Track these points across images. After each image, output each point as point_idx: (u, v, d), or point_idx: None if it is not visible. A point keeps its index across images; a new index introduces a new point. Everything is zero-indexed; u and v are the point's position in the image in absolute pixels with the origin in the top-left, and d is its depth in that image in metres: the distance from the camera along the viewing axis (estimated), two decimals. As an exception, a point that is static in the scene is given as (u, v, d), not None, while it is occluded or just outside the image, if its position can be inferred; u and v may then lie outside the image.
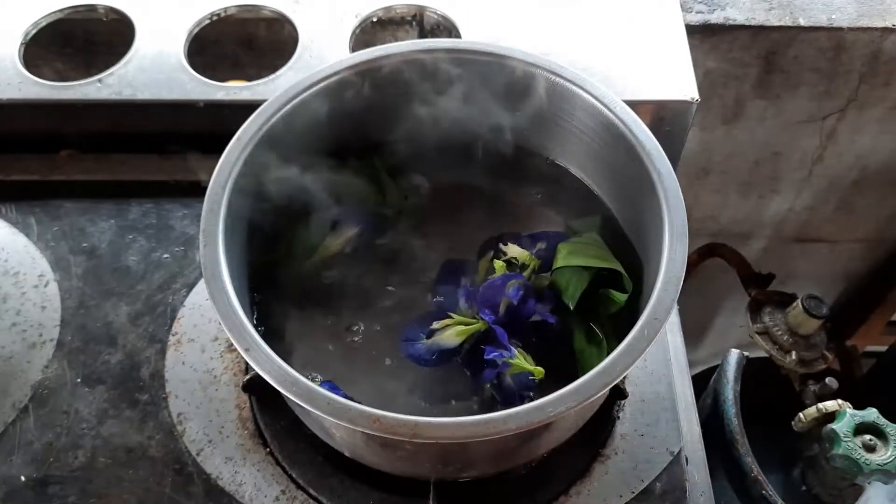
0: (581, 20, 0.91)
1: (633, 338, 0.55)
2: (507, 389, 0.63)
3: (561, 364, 0.64)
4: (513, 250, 0.69)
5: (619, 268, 0.67)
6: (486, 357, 0.62)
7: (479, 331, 0.65)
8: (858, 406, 0.87)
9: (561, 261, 0.68)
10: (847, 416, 0.85)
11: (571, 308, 0.66)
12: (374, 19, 0.93)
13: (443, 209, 0.74)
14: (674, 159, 0.65)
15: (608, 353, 0.54)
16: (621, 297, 0.66)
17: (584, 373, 0.54)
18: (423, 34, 0.99)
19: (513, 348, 0.63)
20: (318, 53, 0.87)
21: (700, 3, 1.01)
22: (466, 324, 0.65)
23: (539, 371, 0.62)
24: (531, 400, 0.53)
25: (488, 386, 0.64)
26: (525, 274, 0.68)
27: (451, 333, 0.65)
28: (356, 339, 0.67)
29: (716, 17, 1.00)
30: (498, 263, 0.68)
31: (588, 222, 0.72)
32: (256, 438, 0.70)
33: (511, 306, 0.65)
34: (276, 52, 0.95)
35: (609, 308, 0.66)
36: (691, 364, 0.79)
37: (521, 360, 0.63)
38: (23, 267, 0.78)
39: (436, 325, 0.65)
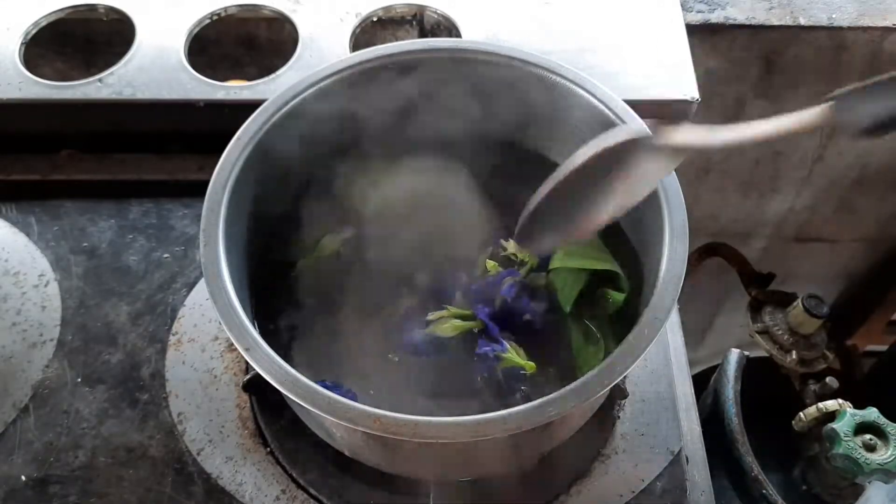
0: (581, 20, 0.91)
1: (634, 337, 0.55)
2: (497, 383, 0.63)
3: (558, 363, 0.64)
4: (512, 246, 0.69)
5: (616, 268, 0.67)
6: (477, 352, 0.63)
7: (475, 328, 0.65)
8: (859, 405, 0.87)
9: (557, 261, 0.68)
10: (847, 415, 0.85)
11: (566, 311, 0.66)
12: (375, 19, 0.93)
13: (442, 209, 0.73)
14: (674, 159, 0.65)
15: (605, 353, 0.54)
16: (619, 297, 0.66)
17: (581, 373, 0.54)
18: (423, 34, 0.99)
19: (504, 342, 0.63)
20: (318, 53, 0.87)
21: (700, 2, 1.01)
22: (462, 317, 0.65)
23: (530, 365, 0.62)
24: (523, 394, 0.53)
25: (479, 379, 0.64)
26: (522, 271, 0.68)
27: (447, 326, 0.65)
28: (356, 337, 0.68)
29: (716, 17, 1.00)
30: (490, 263, 0.68)
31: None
32: (257, 438, 0.70)
33: (505, 303, 0.65)
34: (276, 52, 0.95)
35: (607, 308, 0.66)
36: (691, 364, 0.79)
37: (512, 355, 0.63)
38: (23, 266, 0.78)
39: (431, 315, 0.66)
